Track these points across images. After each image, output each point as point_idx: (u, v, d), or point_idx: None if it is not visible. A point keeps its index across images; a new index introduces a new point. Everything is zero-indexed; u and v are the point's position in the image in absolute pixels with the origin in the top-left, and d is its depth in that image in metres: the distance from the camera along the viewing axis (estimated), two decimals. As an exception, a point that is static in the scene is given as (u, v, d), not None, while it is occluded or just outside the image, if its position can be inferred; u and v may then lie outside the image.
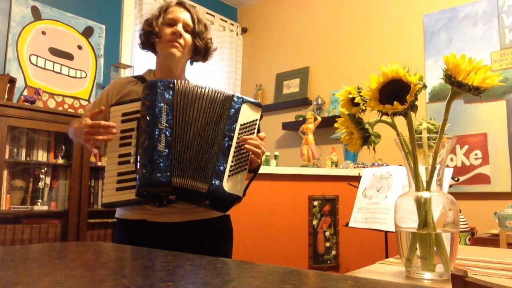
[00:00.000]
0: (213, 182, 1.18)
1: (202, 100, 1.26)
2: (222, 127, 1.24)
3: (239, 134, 1.25)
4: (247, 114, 1.29)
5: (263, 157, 2.88)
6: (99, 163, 3.22)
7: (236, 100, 1.28)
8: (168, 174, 1.15)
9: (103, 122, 1.22)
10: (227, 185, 1.19)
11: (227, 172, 1.20)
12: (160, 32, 1.39)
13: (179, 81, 1.27)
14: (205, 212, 1.32)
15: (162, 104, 1.20)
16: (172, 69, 1.42)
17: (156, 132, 1.17)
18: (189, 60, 1.49)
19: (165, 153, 1.16)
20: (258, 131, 1.32)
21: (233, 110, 1.27)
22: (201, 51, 1.44)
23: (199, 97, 1.26)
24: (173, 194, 1.22)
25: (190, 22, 1.41)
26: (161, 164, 1.15)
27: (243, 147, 1.24)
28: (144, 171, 1.14)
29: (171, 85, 1.24)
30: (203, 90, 1.27)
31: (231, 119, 1.26)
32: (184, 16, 1.41)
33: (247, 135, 1.27)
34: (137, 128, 1.22)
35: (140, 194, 1.17)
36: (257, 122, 1.31)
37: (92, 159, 3.14)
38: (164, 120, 1.19)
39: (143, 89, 1.25)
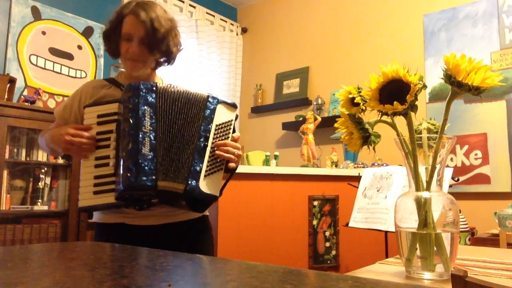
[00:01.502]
0: (189, 182, 1.17)
1: (179, 101, 1.25)
2: (197, 127, 1.24)
3: (214, 134, 1.25)
4: (222, 115, 1.29)
5: (263, 157, 2.90)
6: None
7: (211, 100, 1.28)
8: (154, 177, 1.14)
9: (87, 134, 1.20)
10: (203, 185, 1.19)
11: (203, 172, 1.20)
12: (118, 47, 1.35)
13: (161, 84, 1.26)
14: (183, 214, 1.33)
15: (145, 107, 1.19)
16: (140, 76, 1.39)
17: (140, 135, 1.16)
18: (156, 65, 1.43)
19: (150, 156, 1.15)
20: (234, 131, 1.32)
21: (208, 110, 1.26)
22: (160, 61, 1.39)
23: (176, 98, 1.25)
24: (156, 197, 1.20)
25: (145, 35, 1.30)
26: (146, 168, 1.13)
27: (215, 152, 1.24)
28: (128, 174, 1.12)
29: (154, 88, 1.23)
30: (180, 91, 1.27)
31: (207, 119, 1.25)
32: (138, 29, 1.30)
33: (223, 135, 1.27)
34: (116, 131, 1.20)
35: (121, 197, 1.15)
36: (233, 122, 1.31)
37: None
38: (148, 124, 1.18)
39: (124, 91, 1.23)
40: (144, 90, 1.21)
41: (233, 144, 1.28)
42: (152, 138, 1.17)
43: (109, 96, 1.33)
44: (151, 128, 1.18)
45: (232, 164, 1.28)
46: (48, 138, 1.32)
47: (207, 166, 1.21)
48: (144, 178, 1.12)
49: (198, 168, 1.19)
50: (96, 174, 1.19)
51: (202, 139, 1.23)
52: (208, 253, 1.39)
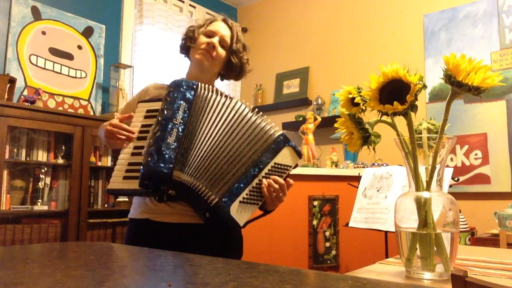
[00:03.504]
0: (224, 199, 1.17)
1: (226, 109, 1.26)
2: (255, 154, 1.23)
3: (269, 170, 1.24)
4: (285, 157, 1.28)
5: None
6: (99, 163, 3.22)
7: (282, 138, 1.27)
8: (171, 166, 1.16)
9: (126, 126, 1.26)
10: (234, 209, 1.18)
11: (240, 198, 1.19)
12: (197, 39, 1.44)
13: (204, 84, 1.29)
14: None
15: (181, 101, 1.23)
16: (199, 78, 1.44)
17: (170, 126, 1.19)
18: (220, 76, 1.53)
19: (173, 146, 1.18)
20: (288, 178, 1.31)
21: (273, 145, 1.26)
22: (235, 69, 1.48)
23: (225, 106, 1.26)
24: (173, 189, 1.21)
25: (228, 39, 1.45)
26: (166, 156, 1.16)
27: (262, 182, 1.23)
28: (149, 159, 1.16)
29: (195, 86, 1.27)
30: (230, 101, 1.28)
31: (269, 152, 1.25)
32: (224, 31, 1.45)
33: (277, 176, 1.25)
34: (155, 123, 1.25)
35: (143, 184, 1.18)
36: (291, 168, 1.30)
37: (92, 159, 3.14)
38: (180, 117, 1.21)
39: (168, 87, 1.28)
40: (184, 87, 1.25)
41: (284, 186, 1.25)
42: (180, 130, 1.20)
43: (161, 96, 1.37)
44: (181, 121, 1.21)
45: (270, 207, 1.27)
46: (100, 129, 1.42)
47: (247, 195, 1.20)
48: (162, 165, 1.15)
49: (238, 191, 1.19)
50: (130, 161, 1.24)
51: (256, 168, 1.22)
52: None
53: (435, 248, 0.87)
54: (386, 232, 1.92)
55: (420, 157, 0.91)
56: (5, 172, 2.71)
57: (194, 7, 4.29)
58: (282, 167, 1.28)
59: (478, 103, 3.10)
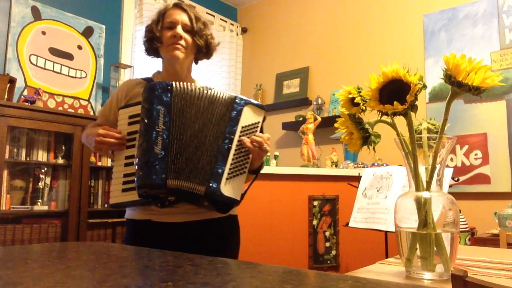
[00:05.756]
0: (211, 184, 1.17)
1: (200, 101, 1.25)
2: (222, 129, 1.23)
3: (240, 136, 1.24)
4: (249, 117, 1.27)
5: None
6: (99, 163, 3.22)
7: (238, 101, 1.27)
8: (163, 176, 1.15)
9: (115, 135, 1.25)
10: (224, 188, 1.18)
11: (225, 175, 1.19)
12: (161, 36, 1.41)
13: (177, 83, 1.26)
14: (208, 212, 1.32)
15: (159, 106, 1.20)
16: (177, 71, 1.44)
17: (154, 135, 1.18)
18: (193, 60, 1.50)
19: (161, 155, 1.17)
20: (262, 133, 1.31)
21: (234, 112, 1.25)
22: (202, 49, 1.45)
23: (197, 98, 1.25)
24: (171, 195, 1.22)
25: (188, 22, 1.41)
26: (157, 167, 1.15)
27: (243, 145, 1.23)
28: (140, 173, 1.15)
29: (169, 87, 1.24)
30: (203, 91, 1.26)
31: (232, 121, 1.24)
32: (181, 17, 1.42)
33: (249, 137, 1.26)
34: (139, 134, 1.23)
35: (141, 195, 1.18)
36: (259, 124, 1.30)
37: (92, 159, 3.14)
38: (161, 123, 1.19)
39: (142, 92, 1.26)
40: (159, 90, 1.23)
41: (263, 136, 1.26)
42: (165, 137, 1.19)
43: (141, 95, 1.36)
44: (164, 127, 1.19)
45: (257, 159, 1.27)
46: (83, 136, 1.41)
47: (230, 169, 1.21)
48: (154, 177, 1.14)
49: (220, 171, 1.19)
50: (125, 173, 1.23)
51: (226, 141, 1.22)
52: (233, 253, 1.40)
53: (435, 248, 0.87)
54: (386, 232, 1.92)
55: (420, 157, 0.91)
56: (5, 172, 2.71)
57: (194, 7, 4.28)
58: (251, 126, 1.27)
59: (478, 103, 3.10)
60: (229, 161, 1.21)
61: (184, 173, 1.19)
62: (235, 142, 1.23)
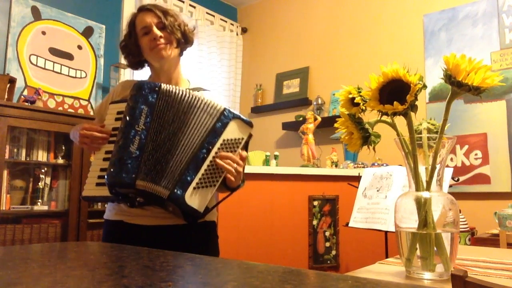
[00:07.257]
0: (176, 190, 1.14)
1: (180, 104, 1.22)
2: (202, 137, 1.20)
3: (218, 149, 1.21)
4: (234, 131, 1.23)
5: (263, 157, 2.90)
6: (99, 163, 3.21)
7: (226, 114, 1.23)
8: (133, 176, 1.14)
9: (98, 129, 1.25)
10: (189, 197, 1.15)
11: (193, 184, 1.16)
12: (141, 45, 1.40)
13: (166, 85, 1.24)
14: (179, 217, 1.27)
15: (143, 106, 1.19)
16: (169, 72, 1.43)
17: (132, 133, 1.17)
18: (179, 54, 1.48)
19: (135, 154, 1.15)
20: (246, 150, 1.28)
21: (219, 123, 1.21)
22: (181, 40, 1.43)
23: (178, 101, 1.22)
24: (140, 196, 1.20)
25: (159, 20, 1.39)
26: (129, 165, 1.14)
27: (215, 160, 1.19)
28: (111, 169, 1.14)
29: (157, 88, 1.22)
30: (185, 94, 1.23)
31: (215, 132, 1.21)
32: (151, 18, 1.39)
33: (229, 152, 1.22)
34: (119, 131, 1.23)
35: (112, 192, 1.17)
36: (243, 141, 1.25)
37: (92, 159, 3.14)
38: (142, 123, 1.18)
39: (130, 90, 1.24)
40: (146, 90, 1.21)
41: (235, 158, 1.21)
42: (143, 137, 1.17)
43: None
44: (144, 127, 1.18)
45: (231, 181, 1.23)
46: (71, 132, 1.43)
47: (200, 179, 1.17)
48: (124, 175, 1.13)
49: (189, 178, 1.16)
50: (102, 167, 1.22)
51: (204, 151, 1.19)
52: None
53: (435, 248, 0.87)
54: (386, 232, 1.92)
55: (420, 157, 0.91)
56: (5, 172, 2.71)
57: (194, 7, 4.29)
58: (232, 141, 1.23)
59: (478, 103, 3.10)
60: (201, 171, 1.18)
61: (151, 175, 1.16)
62: (212, 154, 1.19)
